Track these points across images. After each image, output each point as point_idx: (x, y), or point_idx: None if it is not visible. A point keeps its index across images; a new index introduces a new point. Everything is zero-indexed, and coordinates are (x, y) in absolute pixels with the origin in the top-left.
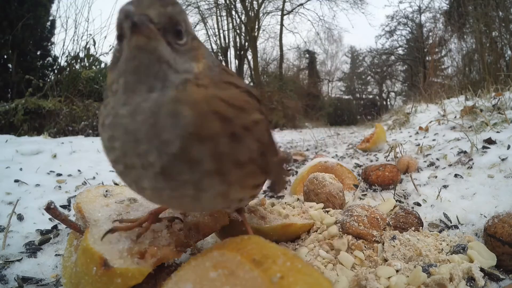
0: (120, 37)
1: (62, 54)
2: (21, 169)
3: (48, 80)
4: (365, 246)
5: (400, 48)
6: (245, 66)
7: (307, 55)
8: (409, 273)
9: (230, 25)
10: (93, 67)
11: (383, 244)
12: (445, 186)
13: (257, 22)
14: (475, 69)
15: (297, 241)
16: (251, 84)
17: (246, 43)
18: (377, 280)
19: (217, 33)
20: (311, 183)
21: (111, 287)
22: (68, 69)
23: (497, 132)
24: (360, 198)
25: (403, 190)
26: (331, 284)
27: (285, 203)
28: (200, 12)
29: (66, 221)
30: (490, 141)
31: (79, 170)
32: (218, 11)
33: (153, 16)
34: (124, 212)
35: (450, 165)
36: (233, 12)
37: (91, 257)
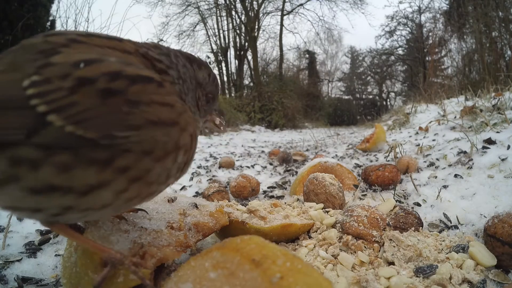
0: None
1: None
2: None
3: None
4: (365, 247)
5: (400, 48)
6: (245, 66)
7: (307, 55)
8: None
9: (230, 25)
10: None
11: (383, 244)
12: (445, 186)
13: (257, 22)
14: (475, 69)
15: (297, 241)
16: (251, 84)
17: (246, 43)
18: (377, 280)
19: (217, 33)
20: (311, 183)
21: None
22: None
23: (497, 132)
24: (360, 198)
25: (403, 190)
26: (331, 285)
27: (285, 203)
28: (200, 12)
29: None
30: (490, 141)
31: None
32: (218, 11)
33: None
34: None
35: (450, 165)
36: (233, 12)
37: (91, 257)
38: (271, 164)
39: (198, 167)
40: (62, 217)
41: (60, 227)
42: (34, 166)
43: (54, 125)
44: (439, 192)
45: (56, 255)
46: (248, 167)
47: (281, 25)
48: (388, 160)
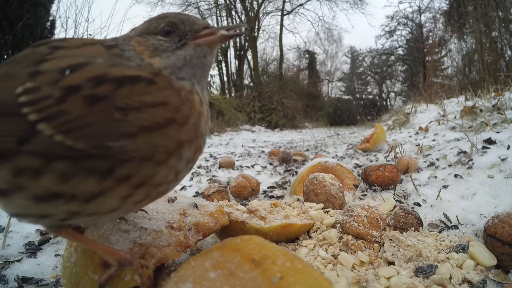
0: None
1: None
2: None
3: None
4: (365, 247)
5: (400, 48)
6: (245, 66)
7: (307, 55)
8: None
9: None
10: None
11: (383, 244)
12: (445, 186)
13: (257, 22)
14: (475, 69)
15: (297, 241)
16: (251, 84)
17: (246, 43)
18: (377, 280)
19: None
20: (311, 183)
21: None
22: None
23: (497, 132)
24: (360, 198)
25: (403, 190)
26: (331, 284)
27: (285, 203)
28: (200, 12)
29: None
30: (490, 141)
31: None
32: (218, 11)
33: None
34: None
35: (450, 165)
36: (233, 12)
37: (91, 257)
38: (271, 164)
39: (198, 167)
40: (70, 221)
41: (68, 233)
42: (36, 174)
43: (44, 134)
44: (439, 192)
45: (56, 255)
46: (248, 167)
47: (281, 25)
48: (388, 160)
